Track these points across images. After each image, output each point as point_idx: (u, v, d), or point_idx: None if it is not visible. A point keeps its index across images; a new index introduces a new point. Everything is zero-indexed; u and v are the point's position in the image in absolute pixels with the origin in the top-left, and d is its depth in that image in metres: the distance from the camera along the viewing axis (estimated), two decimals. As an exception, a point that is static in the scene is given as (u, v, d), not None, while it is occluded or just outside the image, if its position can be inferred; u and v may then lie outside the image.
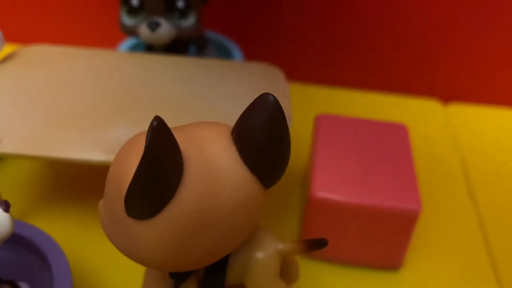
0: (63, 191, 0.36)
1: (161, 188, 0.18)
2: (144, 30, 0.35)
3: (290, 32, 0.48)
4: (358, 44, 0.48)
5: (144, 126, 0.28)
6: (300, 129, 0.44)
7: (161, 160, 0.18)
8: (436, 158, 0.42)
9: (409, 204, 0.29)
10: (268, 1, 0.47)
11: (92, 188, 0.36)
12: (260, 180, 0.20)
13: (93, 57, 0.34)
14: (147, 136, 0.17)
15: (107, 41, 0.51)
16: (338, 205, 0.29)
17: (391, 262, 0.32)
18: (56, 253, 0.26)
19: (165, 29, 0.35)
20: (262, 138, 0.20)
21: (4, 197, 0.35)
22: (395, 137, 0.34)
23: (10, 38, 0.52)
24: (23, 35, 0.52)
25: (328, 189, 0.30)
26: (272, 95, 0.19)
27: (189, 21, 0.35)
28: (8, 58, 0.34)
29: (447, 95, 0.50)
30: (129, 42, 0.44)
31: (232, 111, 0.30)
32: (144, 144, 0.19)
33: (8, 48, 0.50)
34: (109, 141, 0.27)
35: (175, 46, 0.37)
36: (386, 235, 0.30)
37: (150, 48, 0.38)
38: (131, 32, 0.36)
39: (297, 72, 0.50)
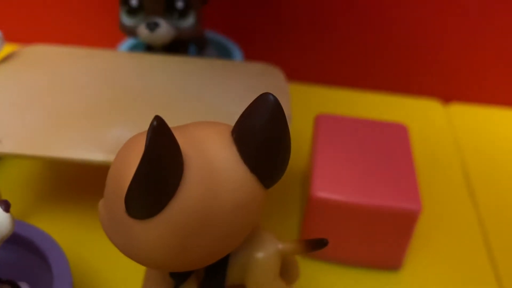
0: (63, 191, 0.36)
1: (162, 188, 0.18)
2: (143, 31, 0.35)
3: (290, 32, 0.48)
4: (358, 44, 0.48)
5: (144, 126, 0.28)
6: (300, 129, 0.44)
7: (162, 160, 0.18)
8: (436, 158, 0.42)
9: (409, 204, 0.29)
10: (268, 1, 0.47)
11: (92, 188, 0.36)
12: (260, 180, 0.20)
13: (93, 57, 0.34)
14: (147, 136, 0.17)
15: (107, 41, 0.51)
16: (338, 205, 0.29)
17: (391, 262, 0.32)
18: (56, 253, 0.26)
19: (164, 30, 0.34)
20: (262, 138, 0.20)
21: (4, 197, 0.35)
22: (395, 137, 0.34)
23: (10, 38, 0.52)
24: (23, 35, 0.52)
25: (328, 189, 0.30)
26: (272, 95, 0.19)
27: (189, 22, 0.35)
28: (8, 58, 0.34)
29: (447, 95, 0.50)
30: (129, 42, 0.44)
31: (232, 111, 0.30)
32: (144, 144, 0.19)
33: (8, 48, 0.50)
34: (109, 141, 0.27)
35: (175, 46, 0.37)
36: (386, 235, 0.30)
37: (149, 48, 0.38)
38: (130, 32, 0.35)
39: (297, 72, 0.50)
